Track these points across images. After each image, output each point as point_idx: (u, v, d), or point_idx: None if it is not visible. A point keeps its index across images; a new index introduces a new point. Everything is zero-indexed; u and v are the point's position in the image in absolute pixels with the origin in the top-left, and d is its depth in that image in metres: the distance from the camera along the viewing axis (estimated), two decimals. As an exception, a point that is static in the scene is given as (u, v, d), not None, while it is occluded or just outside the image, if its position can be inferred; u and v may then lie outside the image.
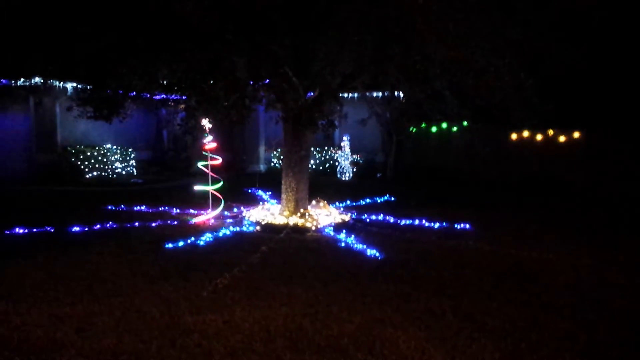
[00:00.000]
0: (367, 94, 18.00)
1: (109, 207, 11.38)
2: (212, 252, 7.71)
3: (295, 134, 9.80)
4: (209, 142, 10.14)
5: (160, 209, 11.21)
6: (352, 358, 4.26)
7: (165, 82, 9.17)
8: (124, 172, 18.04)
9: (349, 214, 10.57)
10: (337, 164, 19.29)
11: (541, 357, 4.33)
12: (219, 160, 10.40)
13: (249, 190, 14.28)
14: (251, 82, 9.18)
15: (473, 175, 16.60)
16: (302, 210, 9.89)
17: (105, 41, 8.15)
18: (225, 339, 4.57)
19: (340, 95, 11.03)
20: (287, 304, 5.48)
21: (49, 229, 9.05)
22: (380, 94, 18.34)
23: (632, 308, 5.57)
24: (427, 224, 9.95)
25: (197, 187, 10.69)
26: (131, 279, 6.28)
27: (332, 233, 9.08)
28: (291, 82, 9.18)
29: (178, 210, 11.01)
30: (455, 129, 17.74)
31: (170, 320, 5.00)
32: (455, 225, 9.79)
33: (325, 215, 10.08)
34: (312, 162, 18.71)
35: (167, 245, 7.93)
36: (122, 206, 11.47)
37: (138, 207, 11.37)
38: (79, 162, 16.64)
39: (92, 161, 16.97)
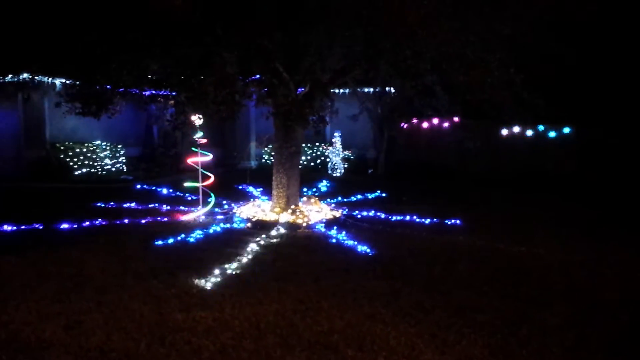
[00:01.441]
0: (358, 89, 17.96)
1: (99, 204, 11.29)
2: (202, 249, 7.67)
3: (286, 129, 9.75)
4: (200, 139, 10.09)
5: (150, 205, 11.14)
6: (342, 354, 4.25)
7: (154, 78, 9.09)
8: (113, 169, 17.90)
9: (340, 210, 10.55)
10: (328, 160, 19.25)
11: (530, 352, 4.35)
12: (209, 157, 10.33)
13: (240, 187, 14.23)
14: (241, 78, 9.12)
15: (464, 171, 16.66)
16: (293, 206, 9.86)
17: (93, 36, 8.06)
18: (215, 336, 4.55)
19: (331, 90, 10.99)
20: (277, 300, 5.46)
21: (37, 226, 8.95)
22: (371, 89, 18.30)
23: (622, 304, 5.60)
24: (418, 220, 9.96)
25: (187, 184, 10.62)
26: (120, 276, 6.23)
27: (323, 229, 9.06)
28: (281, 77, 9.13)
29: (168, 207, 10.95)
30: (446, 124, 17.77)
31: (159, 317, 4.97)
32: (446, 221, 9.81)
33: (316, 212, 10.06)
34: (303, 158, 18.65)
35: (156, 243, 7.88)
36: (112, 203, 11.38)
37: (128, 204, 11.29)
38: (68, 159, 16.49)
39: (81, 157, 16.82)
